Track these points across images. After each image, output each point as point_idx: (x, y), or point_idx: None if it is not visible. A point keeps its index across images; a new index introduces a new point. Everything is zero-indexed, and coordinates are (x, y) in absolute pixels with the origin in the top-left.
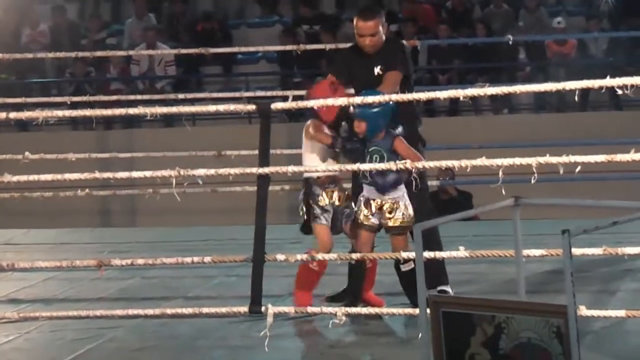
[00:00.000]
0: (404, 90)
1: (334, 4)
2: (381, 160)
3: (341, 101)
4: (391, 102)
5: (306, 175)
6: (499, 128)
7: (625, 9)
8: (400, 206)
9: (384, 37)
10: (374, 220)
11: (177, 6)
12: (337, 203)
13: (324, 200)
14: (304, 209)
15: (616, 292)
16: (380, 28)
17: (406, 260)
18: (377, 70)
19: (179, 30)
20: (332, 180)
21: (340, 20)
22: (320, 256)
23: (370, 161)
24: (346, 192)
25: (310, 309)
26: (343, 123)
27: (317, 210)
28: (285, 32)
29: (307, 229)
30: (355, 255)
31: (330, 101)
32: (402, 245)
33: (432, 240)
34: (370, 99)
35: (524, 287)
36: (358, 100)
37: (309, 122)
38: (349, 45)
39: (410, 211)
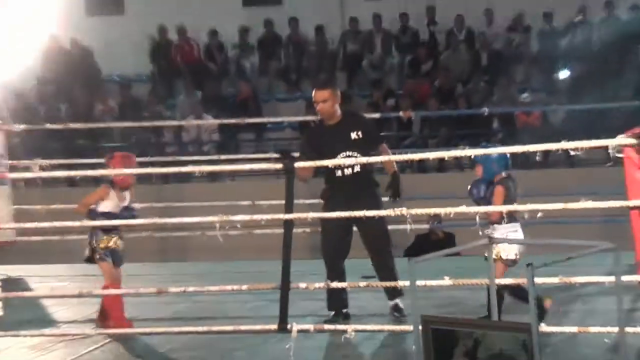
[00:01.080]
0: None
1: (345, 82)
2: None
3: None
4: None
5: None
6: None
7: (579, 87)
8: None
9: (336, 106)
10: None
11: (218, 85)
12: (114, 247)
13: (104, 243)
14: (89, 248)
15: (569, 312)
16: (332, 97)
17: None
18: (354, 135)
19: (220, 103)
20: (115, 228)
21: (350, 96)
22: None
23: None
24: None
25: (326, 327)
26: None
27: (100, 251)
28: (308, 107)
29: (90, 260)
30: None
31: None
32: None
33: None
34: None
35: (496, 309)
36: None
37: (102, 186)
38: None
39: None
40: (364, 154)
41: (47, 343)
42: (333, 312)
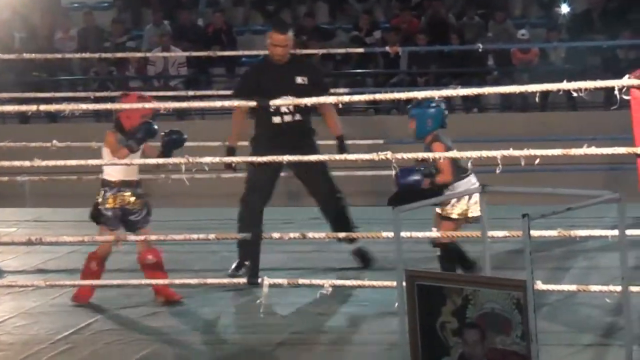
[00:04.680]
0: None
1: (327, 14)
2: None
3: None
4: (442, 107)
5: (105, 177)
6: (469, 125)
7: (581, 23)
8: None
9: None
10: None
11: (188, 15)
12: (127, 206)
13: (110, 203)
14: (94, 207)
15: (569, 269)
16: (291, 41)
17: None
18: (299, 80)
19: (190, 35)
20: (126, 184)
21: (332, 31)
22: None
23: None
24: (141, 197)
25: (301, 281)
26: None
27: (104, 213)
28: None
29: (93, 218)
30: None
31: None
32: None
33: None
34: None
35: (489, 263)
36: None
37: (108, 132)
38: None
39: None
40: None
41: None
42: (237, 263)
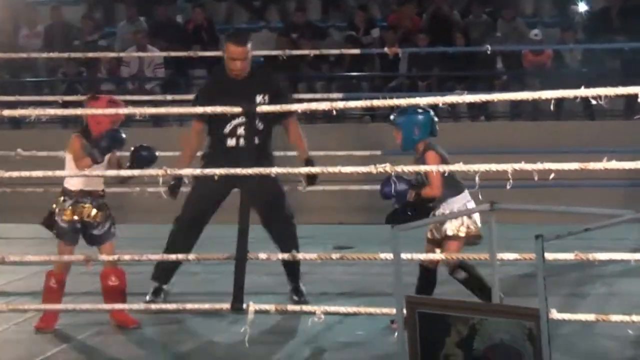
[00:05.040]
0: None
1: (320, 12)
2: (418, 175)
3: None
4: (430, 113)
5: (65, 185)
6: (475, 135)
7: (598, 22)
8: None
9: None
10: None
11: (166, 11)
12: (87, 219)
13: (68, 215)
14: (48, 214)
15: (586, 296)
16: (250, 53)
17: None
18: (259, 98)
19: (167, 33)
20: (87, 194)
21: (325, 30)
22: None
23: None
24: (104, 209)
25: (290, 307)
26: None
27: (61, 225)
28: (280, 36)
29: (46, 226)
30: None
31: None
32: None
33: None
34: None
35: (498, 289)
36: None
37: (73, 136)
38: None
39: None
40: (267, 123)
41: None
42: (156, 285)
